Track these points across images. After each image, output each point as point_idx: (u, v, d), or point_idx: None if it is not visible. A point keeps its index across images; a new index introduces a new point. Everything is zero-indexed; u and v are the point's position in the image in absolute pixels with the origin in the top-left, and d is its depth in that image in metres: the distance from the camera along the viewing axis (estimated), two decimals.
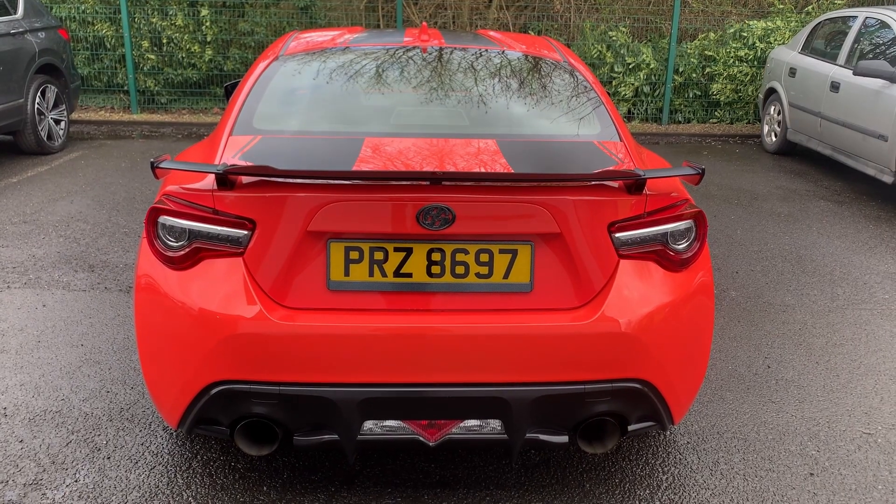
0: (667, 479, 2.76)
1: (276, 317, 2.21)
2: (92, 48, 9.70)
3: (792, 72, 7.98)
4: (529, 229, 2.25)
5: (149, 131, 9.10)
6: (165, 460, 2.80)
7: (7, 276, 4.49)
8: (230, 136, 2.62)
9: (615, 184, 2.33)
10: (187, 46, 9.55)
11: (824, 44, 7.72)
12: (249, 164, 2.33)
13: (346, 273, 2.26)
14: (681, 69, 9.65)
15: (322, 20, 10.12)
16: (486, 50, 3.28)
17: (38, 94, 7.45)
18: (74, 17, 9.57)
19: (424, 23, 3.54)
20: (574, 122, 2.82)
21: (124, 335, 3.78)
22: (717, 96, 9.65)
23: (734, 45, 9.48)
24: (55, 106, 7.80)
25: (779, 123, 8.28)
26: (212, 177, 2.31)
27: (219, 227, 2.26)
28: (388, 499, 2.62)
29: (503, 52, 3.28)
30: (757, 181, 7.22)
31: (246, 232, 2.25)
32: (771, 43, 9.34)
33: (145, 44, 9.54)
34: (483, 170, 2.40)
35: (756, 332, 3.99)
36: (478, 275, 2.27)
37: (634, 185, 2.31)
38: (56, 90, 7.78)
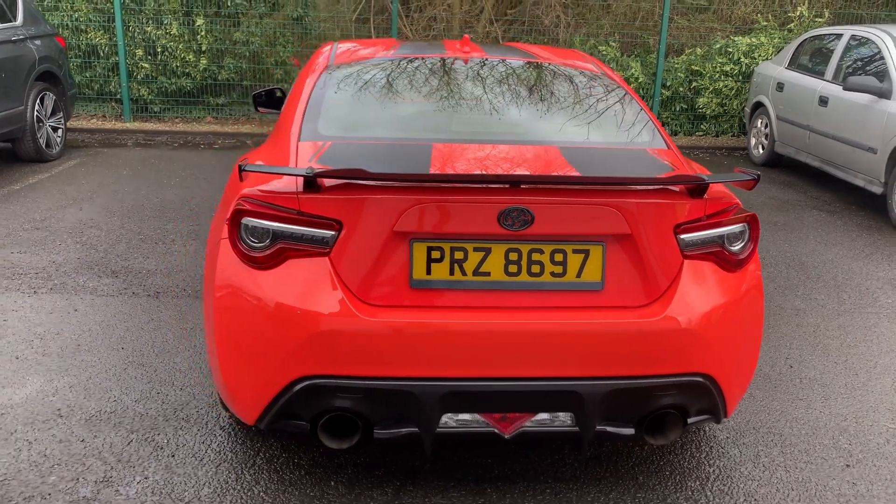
0: (714, 471, 2.90)
1: (362, 313, 2.30)
2: (84, 56, 9.67)
3: (779, 86, 8.25)
4: (602, 230, 2.38)
5: (143, 140, 9.09)
6: (229, 457, 2.86)
7: (32, 282, 4.50)
8: (299, 142, 2.72)
9: (677, 188, 2.47)
10: (182, 55, 9.56)
11: (810, 60, 8.01)
12: (339, 167, 2.41)
13: (428, 272, 2.36)
14: (668, 83, 9.91)
15: (315, 31, 10.21)
16: (528, 62, 3.41)
17: (38, 101, 7.43)
18: (67, 24, 9.54)
19: (466, 35, 3.66)
20: (624, 130, 2.96)
21: (163, 338, 3.82)
22: (704, 110, 9.91)
23: (720, 61, 9.76)
24: (53, 113, 7.78)
25: (766, 136, 8.54)
26: (293, 179, 2.40)
27: (306, 228, 2.35)
28: (453, 492, 2.71)
29: (543, 63, 3.42)
30: (749, 192, 7.43)
31: (333, 232, 2.34)
32: (755, 58, 9.64)
33: (139, 52, 9.53)
34: (553, 174, 2.52)
35: (773, 334, 4.16)
36: (552, 274, 2.39)
37: (697, 189, 2.45)
38: (54, 97, 7.76)
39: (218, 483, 2.71)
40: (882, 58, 6.80)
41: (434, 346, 2.32)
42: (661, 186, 2.43)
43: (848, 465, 2.96)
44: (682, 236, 2.45)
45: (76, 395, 3.25)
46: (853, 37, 7.40)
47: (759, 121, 8.70)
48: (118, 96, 9.79)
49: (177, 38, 9.53)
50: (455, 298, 2.38)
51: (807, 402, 3.43)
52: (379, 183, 2.32)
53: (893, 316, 4.47)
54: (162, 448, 2.90)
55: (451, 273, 2.37)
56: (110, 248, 5.17)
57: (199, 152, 8.56)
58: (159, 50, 9.57)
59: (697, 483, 2.82)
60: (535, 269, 2.38)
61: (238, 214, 2.41)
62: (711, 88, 9.80)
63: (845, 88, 6.85)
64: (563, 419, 2.46)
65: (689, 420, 2.56)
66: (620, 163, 2.72)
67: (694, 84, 9.91)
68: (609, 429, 2.48)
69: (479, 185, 2.33)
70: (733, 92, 9.77)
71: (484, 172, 2.50)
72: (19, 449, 2.87)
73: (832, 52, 7.59)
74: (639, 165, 2.71)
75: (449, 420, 2.44)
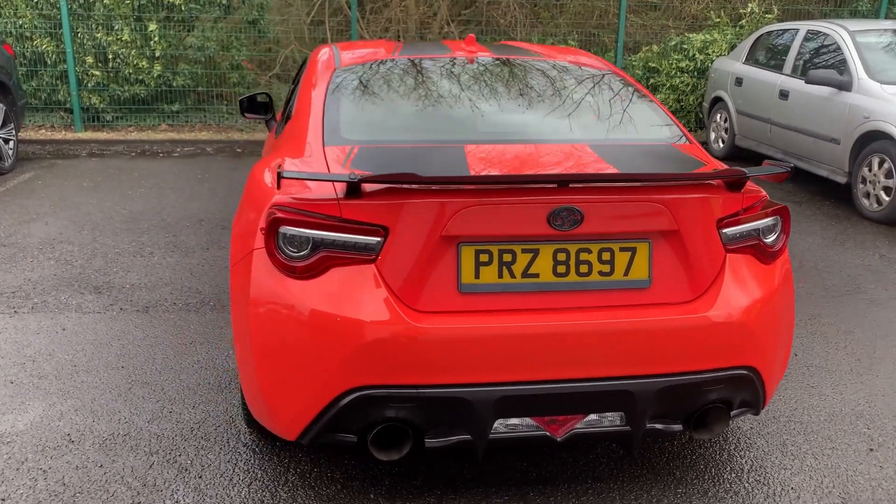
0: (746, 462, 2.92)
1: (414, 321, 2.24)
2: (31, 64, 9.29)
3: (738, 81, 8.44)
4: (649, 227, 2.37)
5: (98, 150, 8.78)
6: (260, 476, 2.76)
7: (10, 301, 4.28)
8: (325, 148, 2.64)
9: (717, 182, 2.47)
10: (135, 62, 9.27)
11: (768, 55, 8.21)
12: (377, 173, 2.34)
13: (477, 276, 2.31)
14: None
15: (271, 34, 10.03)
16: (537, 60, 3.39)
17: None
18: (11, 31, 9.15)
19: (472, 35, 3.62)
20: (646, 126, 2.97)
21: (162, 355, 3.68)
22: None
23: (675, 57, 9.94)
24: (3, 125, 7.45)
25: (726, 130, 8.73)
26: (329, 185, 2.33)
27: (350, 236, 2.27)
28: (496, 498, 2.67)
29: (552, 61, 3.41)
30: None
31: (379, 239, 2.27)
32: (709, 54, 9.84)
33: (89, 59, 9.20)
34: (603, 172, 2.49)
35: None
36: (600, 273, 2.37)
37: (736, 183, 2.46)
38: (4, 108, 7.43)
39: (253, 503, 2.61)
40: (840, 51, 7.01)
41: (486, 352, 2.27)
42: (704, 182, 2.43)
43: (871, 450, 3.03)
44: (725, 230, 2.45)
45: (84, 419, 3.10)
46: (809, 32, 7.61)
47: (719, 115, 8.88)
48: (68, 105, 9.44)
49: (129, 44, 9.24)
50: (504, 301, 2.33)
51: (819, 390, 3.49)
52: (425, 187, 2.26)
53: (879, 301, 4.60)
54: (187, 469, 2.78)
55: (500, 276, 2.32)
56: (86, 263, 4.96)
57: (159, 161, 8.31)
58: (110, 56, 9.27)
59: (733, 475, 2.84)
60: (584, 268, 2.36)
61: (276, 223, 2.32)
62: (668, 85, 9.97)
63: (807, 82, 7.03)
64: (613, 419, 2.44)
65: (732, 413, 2.57)
66: (654, 159, 2.72)
67: (651, 81, 10.07)
68: (658, 426, 2.47)
69: (529, 186, 2.29)
70: (689, 88, 9.96)
71: (529, 173, 2.46)
72: (34, 479, 2.71)
73: (789, 46, 7.80)
74: (674, 161, 2.71)
75: (499, 426, 2.39)
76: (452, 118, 2.91)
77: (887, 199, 6.22)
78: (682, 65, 9.88)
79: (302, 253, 2.32)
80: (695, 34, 10.07)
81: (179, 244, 5.39)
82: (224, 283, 4.64)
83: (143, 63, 9.28)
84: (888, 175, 6.17)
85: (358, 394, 2.27)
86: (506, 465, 2.84)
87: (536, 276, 2.34)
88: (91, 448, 2.90)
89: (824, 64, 7.18)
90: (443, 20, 10.98)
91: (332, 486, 2.71)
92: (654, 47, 10.17)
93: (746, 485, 2.78)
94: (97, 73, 9.27)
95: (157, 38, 9.22)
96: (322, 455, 2.87)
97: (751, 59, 8.45)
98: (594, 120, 2.95)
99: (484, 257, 2.31)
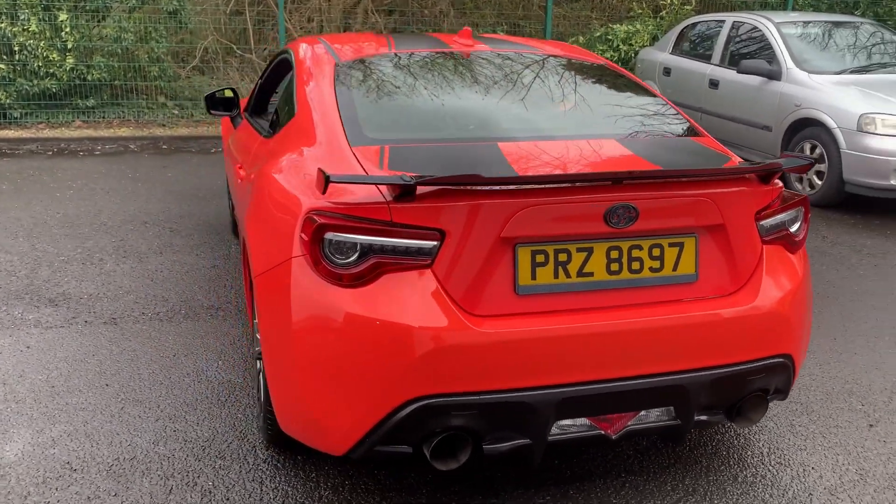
0: (763, 445, 3.00)
1: (475, 326, 2.18)
2: None
3: (666, 71, 8.69)
4: (697, 222, 2.38)
5: (8, 149, 8.19)
6: (291, 493, 2.63)
7: None
8: (353, 148, 2.52)
9: (749, 175, 2.51)
10: (44, 54, 8.69)
11: (695, 45, 8.49)
12: (421, 173, 2.26)
13: (533, 276, 2.27)
14: None
15: (191, 24, 9.61)
16: (541, 55, 3.36)
17: None
18: None
19: (468, 27, 3.55)
20: (661, 120, 2.99)
21: (148, 370, 3.45)
22: None
23: (601, 48, 10.14)
24: None
25: None
26: (373, 188, 2.23)
27: (405, 240, 2.18)
28: (539, 499, 2.64)
29: (553, 56, 3.39)
30: None
31: (436, 243, 2.19)
32: (633, 45, 10.10)
33: None
34: (657, 169, 2.48)
35: None
36: (651, 269, 2.37)
37: (768, 175, 2.51)
38: None
39: None
40: (767, 42, 7.32)
41: (547, 353, 2.24)
42: (745, 175, 2.47)
43: (871, 425, 3.17)
44: (762, 222, 2.50)
45: (80, 444, 2.87)
46: (735, 23, 7.91)
47: None
48: None
49: (37, 36, 8.64)
50: (561, 302, 2.30)
51: (807, 370, 3.64)
52: (482, 188, 2.19)
53: (836, 283, 4.84)
54: (211, 492, 2.62)
55: (556, 276, 2.29)
56: (32, 273, 4.61)
57: (80, 160, 7.82)
58: (17, 48, 8.64)
59: (755, 459, 2.91)
60: (636, 265, 2.35)
61: (321, 230, 2.21)
62: None
63: (739, 71, 7.30)
64: (662, 413, 2.45)
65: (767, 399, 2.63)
66: (685, 153, 2.74)
67: None
68: (704, 418, 2.50)
69: (585, 184, 2.26)
70: None
71: (583, 171, 2.43)
72: None
73: (716, 37, 8.08)
74: (704, 155, 2.74)
75: (554, 428, 2.36)
76: (478, 115, 2.84)
77: (819, 182, 6.54)
78: (608, 55, 10.09)
79: (349, 260, 2.21)
80: (618, 25, 10.30)
81: (130, 249, 5.09)
82: (189, 290, 4.41)
83: (54, 55, 8.71)
84: (820, 160, 6.50)
85: (419, 404, 2.19)
86: (541, 466, 2.81)
87: (591, 274, 2.32)
88: (98, 476, 2.69)
89: (752, 54, 7.48)
90: (367, 9, 10.80)
91: (369, 499, 2.61)
92: (581, 38, 10.34)
93: (770, 468, 2.86)
94: (2, 66, 8.64)
95: (68, 29, 8.66)
96: (351, 467, 2.77)
97: (678, 50, 8.71)
98: (613, 114, 2.95)
99: (540, 258, 2.27)
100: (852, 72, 6.93)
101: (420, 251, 2.20)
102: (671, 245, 2.38)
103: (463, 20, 10.77)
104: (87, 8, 8.82)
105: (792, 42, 7.17)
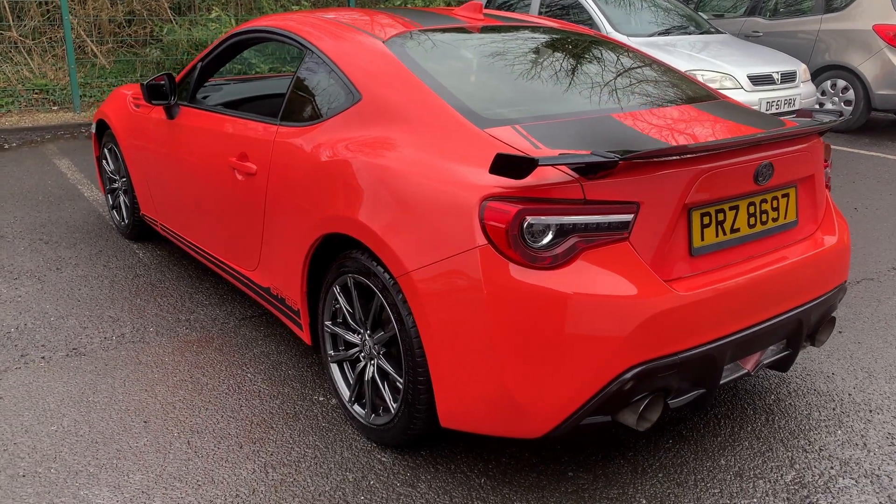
0: (772, 408, 3.37)
1: (676, 290, 2.30)
2: None
3: None
4: (800, 174, 2.69)
5: None
6: (449, 489, 2.55)
7: None
8: (485, 130, 2.47)
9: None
10: None
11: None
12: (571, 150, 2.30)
13: (702, 238, 2.43)
14: None
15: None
16: (553, 27, 3.49)
17: None
18: None
19: (479, 1, 3.52)
20: (698, 86, 3.25)
21: (181, 405, 3.05)
22: None
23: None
24: None
25: None
26: (551, 169, 2.24)
27: (603, 217, 2.23)
28: (583, 473, 2.74)
29: (575, 31, 3.55)
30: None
31: (632, 215, 2.26)
32: None
33: None
34: (780, 129, 2.69)
35: None
36: (773, 219, 2.64)
37: (822, 130, 2.89)
38: None
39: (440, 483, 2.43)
40: (582, 8, 7.96)
41: (726, 307, 2.42)
42: (814, 129, 2.82)
43: (871, 411, 3.76)
44: (826, 170, 2.89)
45: (183, 494, 2.50)
46: None
47: None
48: None
49: None
50: (722, 258, 2.49)
51: None
52: (667, 158, 2.29)
53: None
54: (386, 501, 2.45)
55: (716, 235, 2.47)
56: None
57: None
58: None
59: (765, 424, 3.07)
60: (764, 217, 2.61)
61: (521, 214, 2.17)
62: None
63: None
64: (779, 346, 2.76)
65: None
66: (744, 114, 3.02)
67: None
68: (804, 344, 2.86)
69: (738, 148, 2.45)
70: None
71: (733, 137, 2.60)
72: None
73: (529, 6, 8.60)
74: (757, 114, 3.04)
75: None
76: (572, 88, 2.88)
77: None
78: None
79: (544, 242, 2.21)
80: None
81: (16, 270, 4.31)
82: (132, 304, 3.89)
83: None
84: None
85: (636, 370, 2.26)
86: (571, 447, 2.84)
87: (738, 230, 2.53)
88: None
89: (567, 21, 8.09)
90: None
91: (525, 477, 2.62)
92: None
93: (811, 424, 3.31)
94: None
95: None
96: (407, 452, 2.73)
97: None
98: (666, 82, 3.15)
99: (706, 219, 2.43)
100: (659, 34, 7.81)
101: (619, 225, 2.25)
102: (783, 196, 2.67)
103: None
104: None
105: (605, 7, 7.89)
